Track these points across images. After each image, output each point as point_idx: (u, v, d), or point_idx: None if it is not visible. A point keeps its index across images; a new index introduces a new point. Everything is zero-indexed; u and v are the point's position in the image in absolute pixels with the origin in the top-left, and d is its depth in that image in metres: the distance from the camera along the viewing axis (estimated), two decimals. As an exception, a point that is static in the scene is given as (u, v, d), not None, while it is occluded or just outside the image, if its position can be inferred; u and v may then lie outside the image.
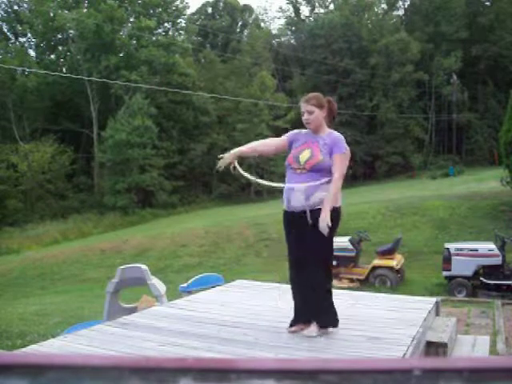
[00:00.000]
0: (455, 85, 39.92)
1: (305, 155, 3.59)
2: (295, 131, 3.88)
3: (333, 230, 3.50)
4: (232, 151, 3.74)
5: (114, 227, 28.58)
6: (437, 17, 41.92)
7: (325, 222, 3.34)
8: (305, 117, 3.66)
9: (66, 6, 36.47)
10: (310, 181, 3.50)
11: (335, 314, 3.67)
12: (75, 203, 33.52)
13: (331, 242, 3.60)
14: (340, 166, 3.54)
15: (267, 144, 4.01)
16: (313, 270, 3.51)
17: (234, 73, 41.11)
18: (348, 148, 3.66)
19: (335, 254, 13.24)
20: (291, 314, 3.72)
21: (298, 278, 3.62)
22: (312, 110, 3.63)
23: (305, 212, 3.48)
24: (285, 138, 3.86)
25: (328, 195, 3.43)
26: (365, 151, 40.16)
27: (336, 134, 3.71)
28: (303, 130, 3.80)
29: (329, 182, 3.54)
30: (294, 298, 3.69)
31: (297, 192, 3.51)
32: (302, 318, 3.65)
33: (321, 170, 3.53)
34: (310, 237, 3.47)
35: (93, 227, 28.34)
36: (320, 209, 3.43)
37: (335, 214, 3.52)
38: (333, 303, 3.68)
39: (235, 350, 3.21)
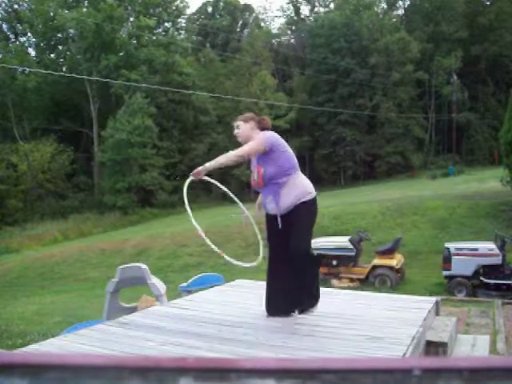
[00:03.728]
0: (455, 84, 39.94)
1: (253, 174, 3.93)
2: None
3: (307, 222, 3.81)
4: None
5: (114, 227, 28.59)
6: (437, 17, 41.93)
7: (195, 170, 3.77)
8: (234, 132, 4.02)
9: (65, 5, 36.48)
10: (271, 193, 3.80)
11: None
12: (75, 203, 33.53)
13: (307, 235, 3.88)
14: (251, 142, 3.79)
15: None
16: (280, 264, 3.93)
17: (234, 72, 41.10)
18: (267, 138, 3.78)
19: (335, 253, 13.11)
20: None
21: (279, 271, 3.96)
22: (238, 124, 3.98)
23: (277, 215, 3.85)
24: None
25: (228, 157, 3.77)
26: (365, 151, 40.17)
27: (264, 131, 3.92)
28: None
29: (287, 180, 3.76)
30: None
31: (270, 203, 3.83)
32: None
33: (271, 178, 3.75)
34: (286, 235, 3.81)
35: (93, 227, 28.35)
36: (289, 212, 3.78)
37: (305, 206, 3.78)
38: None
39: (235, 349, 3.21)
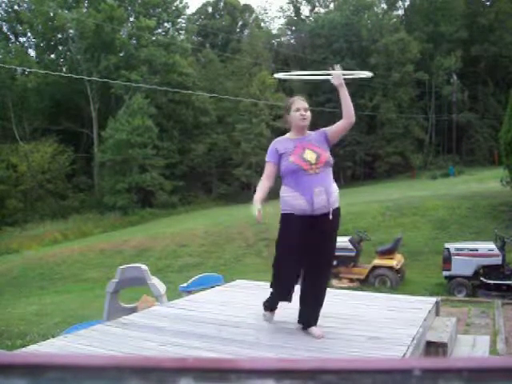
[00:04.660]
0: (455, 85, 39.94)
1: (310, 155, 3.49)
2: (276, 143, 3.68)
3: (337, 230, 3.59)
4: (255, 207, 3.40)
5: (113, 227, 28.59)
6: (437, 17, 41.94)
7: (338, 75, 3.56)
8: (303, 112, 3.60)
9: (65, 5, 36.49)
10: (323, 182, 3.42)
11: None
12: (75, 203, 33.54)
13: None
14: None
15: (269, 179, 3.64)
16: (324, 271, 3.62)
17: (234, 73, 41.11)
18: None
19: (335, 253, 13.24)
20: (293, 314, 3.75)
21: (309, 280, 3.63)
22: (307, 107, 3.67)
23: (326, 214, 3.42)
24: (273, 157, 3.60)
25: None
26: (365, 151, 40.18)
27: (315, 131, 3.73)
28: (282, 138, 3.72)
29: (332, 176, 3.58)
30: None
31: (320, 194, 3.38)
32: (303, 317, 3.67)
33: (330, 166, 3.54)
34: (326, 239, 3.52)
35: (93, 227, 28.34)
36: (336, 208, 3.50)
37: (339, 213, 3.57)
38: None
39: (235, 349, 3.21)
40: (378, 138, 40.59)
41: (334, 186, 3.52)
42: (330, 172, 3.52)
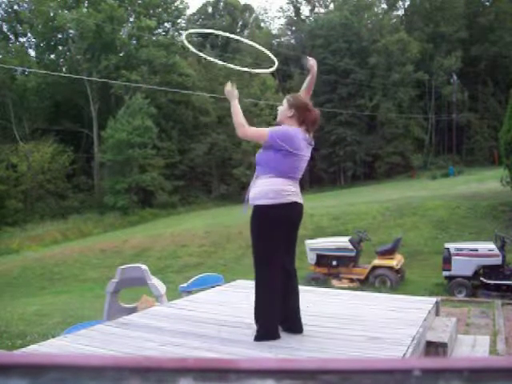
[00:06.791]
0: (455, 85, 39.93)
1: None
2: None
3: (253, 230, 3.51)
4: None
5: (114, 227, 28.59)
6: (437, 17, 41.94)
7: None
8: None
9: (66, 5, 36.48)
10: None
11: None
12: (75, 203, 33.54)
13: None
14: None
15: None
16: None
17: (234, 73, 41.09)
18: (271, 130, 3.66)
19: (335, 254, 13.09)
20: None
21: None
22: (283, 103, 3.72)
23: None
24: None
25: None
26: (365, 151, 40.16)
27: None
28: None
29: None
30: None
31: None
32: None
33: (258, 164, 3.71)
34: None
35: (93, 227, 28.34)
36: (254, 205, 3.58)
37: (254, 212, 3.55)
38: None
39: (235, 350, 3.21)
40: (378, 137, 40.58)
41: (259, 182, 3.55)
42: (258, 168, 3.67)
